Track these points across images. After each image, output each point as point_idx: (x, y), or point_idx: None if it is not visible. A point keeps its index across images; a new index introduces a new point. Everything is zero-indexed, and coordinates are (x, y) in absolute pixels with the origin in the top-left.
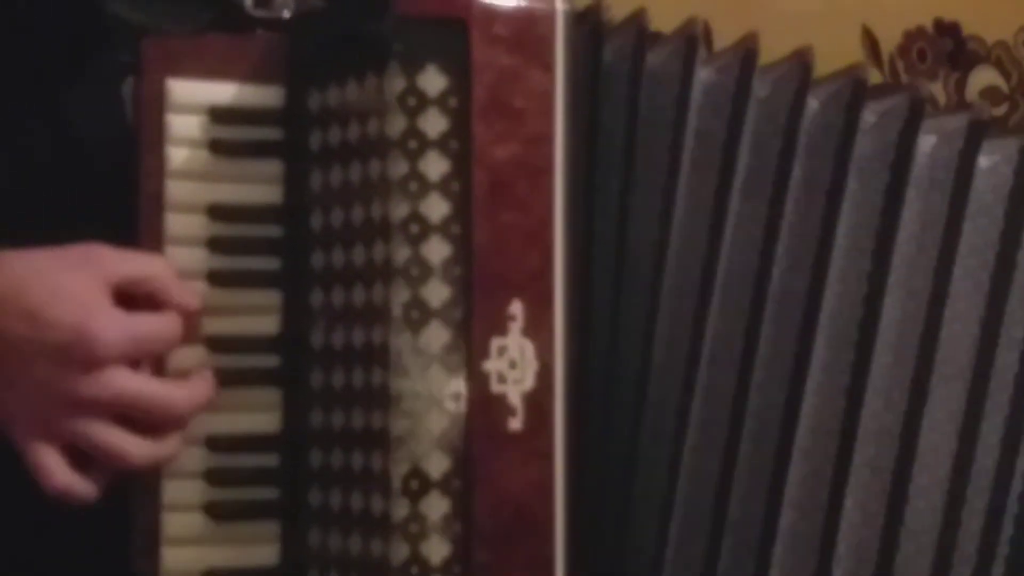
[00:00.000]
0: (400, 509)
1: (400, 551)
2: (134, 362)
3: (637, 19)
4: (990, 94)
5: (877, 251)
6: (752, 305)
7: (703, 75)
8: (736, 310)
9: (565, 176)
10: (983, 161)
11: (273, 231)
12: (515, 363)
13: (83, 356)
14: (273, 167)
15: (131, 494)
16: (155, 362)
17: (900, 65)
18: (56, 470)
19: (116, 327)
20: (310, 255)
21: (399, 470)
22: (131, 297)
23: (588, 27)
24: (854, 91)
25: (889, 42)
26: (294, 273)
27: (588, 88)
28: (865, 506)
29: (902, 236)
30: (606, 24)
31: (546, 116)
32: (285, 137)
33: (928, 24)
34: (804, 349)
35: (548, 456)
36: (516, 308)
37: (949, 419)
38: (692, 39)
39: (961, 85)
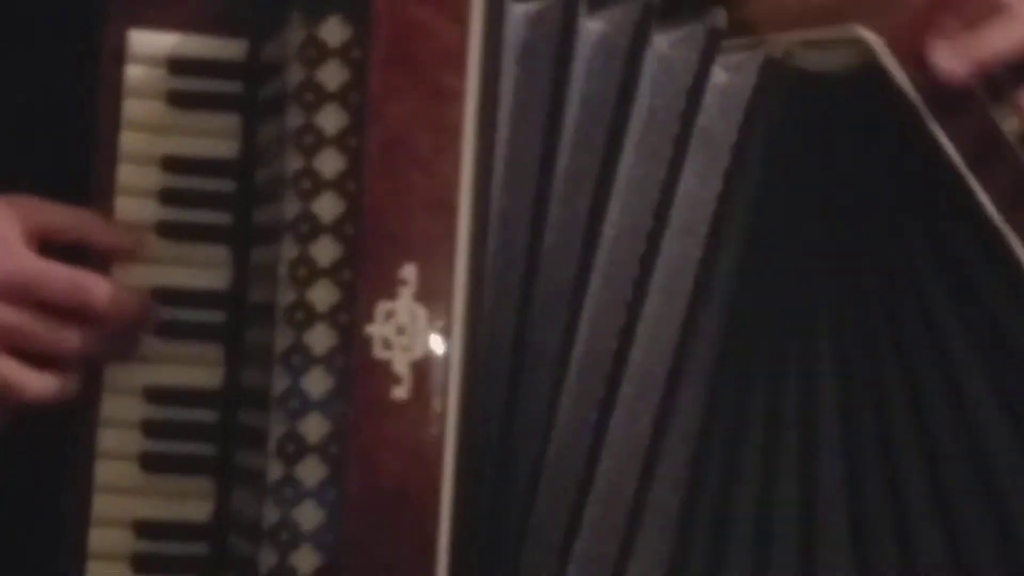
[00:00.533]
0: (275, 471)
1: (272, 515)
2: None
3: None
4: None
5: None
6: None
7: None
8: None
9: (478, 137)
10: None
11: (226, 185)
12: (404, 329)
13: None
14: (231, 120)
15: (66, 441)
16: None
17: None
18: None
19: (7, 261)
20: (254, 211)
21: (277, 431)
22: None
23: None
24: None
25: None
26: (242, 228)
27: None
28: None
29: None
30: None
31: (456, 72)
32: (244, 90)
33: None
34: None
35: (436, 429)
36: (409, 272)
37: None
38: None
39: None
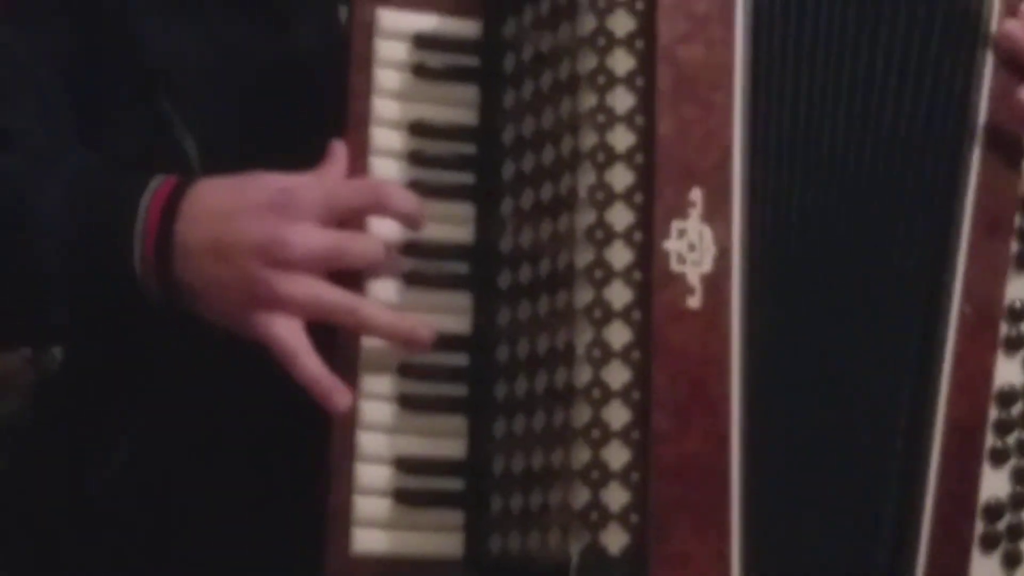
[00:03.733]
0: (583, 376)
1: (583, 415)
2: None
3: None
4: None
5: None
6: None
7: None
8: None
9: (746, 77)
10: None
11: (468, 148)
12: (694, 246)
13: (279, 256)
14: (470, 91)
15: None
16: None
17: None
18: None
19: (311, 236)
20: (501, 167)
21: (583, 339)
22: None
23: None
24: None
25: None
26: (487, 185)
27: None
28: None
29: None
30: None
31: (727, 22)
32: (482, 64)
33: None
34: None
35: (725, 336)
36: (696, 195)
37: None
38: None
39: None
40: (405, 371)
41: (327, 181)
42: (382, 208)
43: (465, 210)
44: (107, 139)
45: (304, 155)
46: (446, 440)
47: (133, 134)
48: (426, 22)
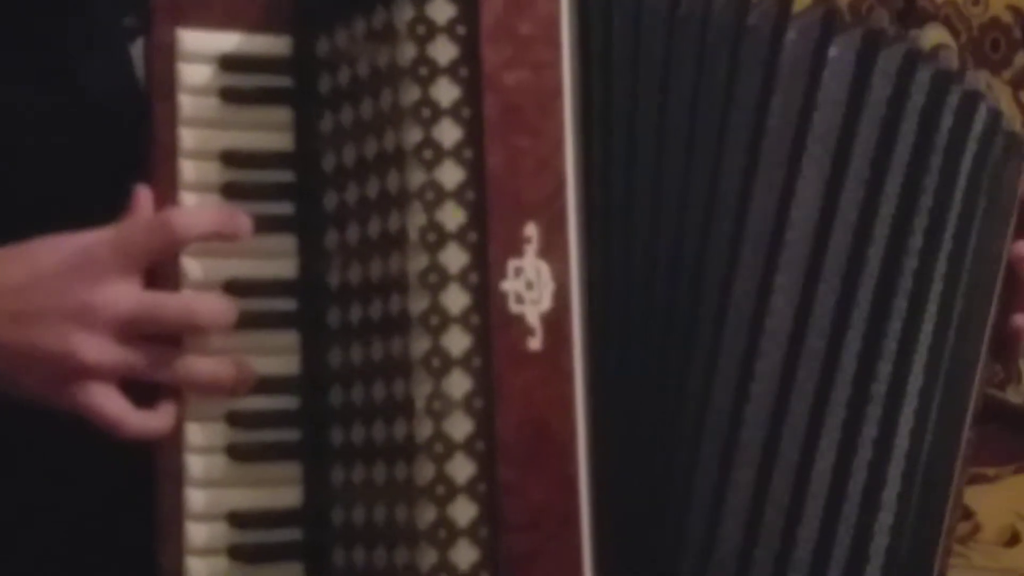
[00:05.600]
0: (424, 430)
1: (426, 471)
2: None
3: None
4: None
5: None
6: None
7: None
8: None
9: (575, 101)
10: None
11: (286, 176)
12: (532, 284)
13: (84, 323)
14: (283, 114)
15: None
16: None
17: None
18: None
19: (119, 297)
20: (323, 197)
21: (422, 391)
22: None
23: None
24: None
25: None
26: (308, 216)
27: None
28: None
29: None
30: None
31: (553, 42)
32: (294, 84)
33: None
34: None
35: (568, 376)
36: (531, 230)
37: (787, 303)
38: None
39: None
40: (233, 419)
41: (127, 231)
42: (180, 242)
43: (286, 243)
44: None
45: (103, 208)
46: (280, 489)
47: None
48: (232, 42)
